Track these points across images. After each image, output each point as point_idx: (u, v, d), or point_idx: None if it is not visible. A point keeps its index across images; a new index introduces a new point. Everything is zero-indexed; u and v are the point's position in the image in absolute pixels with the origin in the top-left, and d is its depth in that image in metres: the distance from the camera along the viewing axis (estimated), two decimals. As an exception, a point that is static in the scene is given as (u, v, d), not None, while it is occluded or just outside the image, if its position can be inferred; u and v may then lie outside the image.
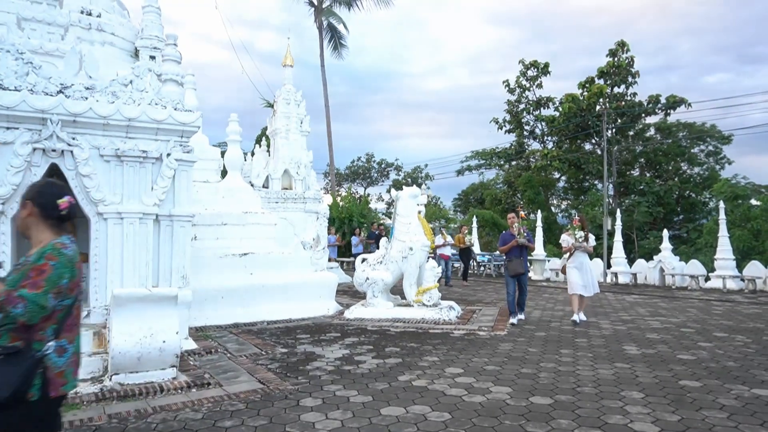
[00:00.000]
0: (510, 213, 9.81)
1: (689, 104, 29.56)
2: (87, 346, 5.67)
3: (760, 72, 73.22)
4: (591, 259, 14.62)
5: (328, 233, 18.80)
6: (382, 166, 49.78)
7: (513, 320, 8.86)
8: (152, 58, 8.78)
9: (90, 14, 9.25)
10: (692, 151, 32.55)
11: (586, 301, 9.31)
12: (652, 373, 5.65)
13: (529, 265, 14.71)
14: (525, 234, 9.20)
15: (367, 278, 9.79)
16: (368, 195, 44.83)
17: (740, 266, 15.25)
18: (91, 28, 9.18)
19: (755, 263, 14.75)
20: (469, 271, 17.79)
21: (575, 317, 8.93)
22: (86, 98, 6.08)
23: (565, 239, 9.39)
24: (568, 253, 9.20)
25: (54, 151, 5.92)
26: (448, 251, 16.18)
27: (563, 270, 9.58)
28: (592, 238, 9.35)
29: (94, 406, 4.60)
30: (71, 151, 6.02)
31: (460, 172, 40.93)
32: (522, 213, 9.69)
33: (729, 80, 73.20)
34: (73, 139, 6.02)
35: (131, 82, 6.45)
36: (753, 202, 22.92)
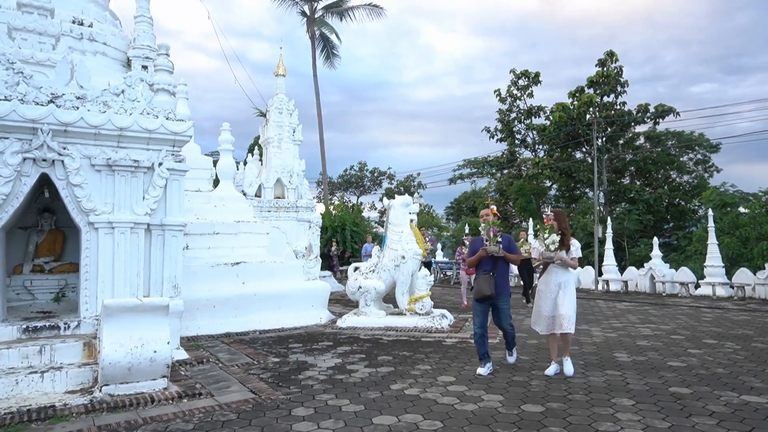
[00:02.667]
0: (483, 209, 6.58)
1: (678, 113, 29.91)
2: (77, 357, 5.64)
3: (744, 82, 74.55)
4: (527, 281, 13.11)
5: (366, 241, 18.60)
6: (375, 174, 49.90)
7: (482, 370, 5.98)
8: (144, 67, 8.80)
9: (82, 24, 9.25)
10: (681, 159, 32.89)
11: (567, 339, 6.14)
12: (642, 380, 5.68)
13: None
14: (498, 238, 6.11)
15: (360, 287, 9.78)
16: (361, 204, 44.86)
17: (729, 273, 15.39)
18: (83, 37, 9.18)
19: (744, 270, 14.90)
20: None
21: (549, 368, 6.02)
22: (77, 108, 6.07)
23: (535, 247, 6.46)
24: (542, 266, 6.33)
25: (44, 160, 5.91)
26: None
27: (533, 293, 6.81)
28: (575, 246, 6.11)
29: (84, 417, 4.56)
30: (62, 161, 6.00)
31: (452, 181, 41.05)
32: (493, 208, 6.43)
33: (714, 90, 74.45)
34: (64, 148, 6.01)
35: (123, 91, 6.45)
36: (741, 209, 23.13)
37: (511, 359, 6.56)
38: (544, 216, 6.49)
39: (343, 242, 22.14)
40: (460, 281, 14.47)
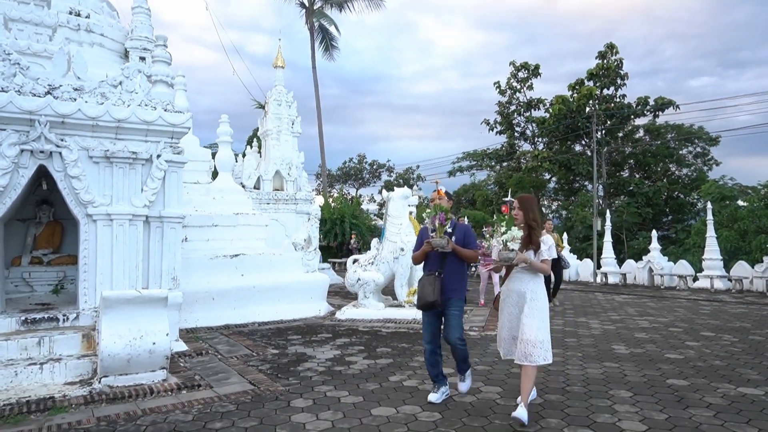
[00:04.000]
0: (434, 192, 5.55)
1: (677, 106, 29.87)
2: (76, 349, 5.64)
3: (743, 76, 74.47)
4: (554, 280, 11.28)
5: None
6: (374, 167, 49.86)
7: (434, 396, 4.73)
8: (142, 59, 8.74)
9: (79, 15, 9.19)
10: (680, 152, 32.90)
11: (529, 374, 4.25)
12: (640, 372, 5.70)
13: (488, 279, 11.61)
14: (448, 228, 4.66)
15: (359, 279, 9.79)
16: (360, 196, 44.86)
17: (727, 266, 15.44)
18: (80, 28, 9.12)
19: (742, 263, 14.94)
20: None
21: (516, 410, 4.16)
22: (75, 99, 6.04)
23: (494, 245, 4.88)
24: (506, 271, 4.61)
25: (42, 152, 5.88)
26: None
27: (495, 304, 4.75)
28: (548, 244, 4.38)
29: (83, 408, 4.57)
30: (60, 153, 5.97)
31: (451, 173, 41.03)
32: (440, 189, 5.51)
33: (713, 84, 74.36)
34: (62, 140, 5.98)
35: (121, 83, 6.42)
36: (740, 203, 23.17)
37: (464, 386, 4.79)
38: (503, 204, 4.87)
39: (342, 234, 22.15)
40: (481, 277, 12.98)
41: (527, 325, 4.20)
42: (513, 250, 4.23)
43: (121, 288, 6.12)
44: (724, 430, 4.01)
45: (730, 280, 14.67)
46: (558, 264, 10.97)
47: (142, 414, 4.45)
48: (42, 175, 6.39)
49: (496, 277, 10.76)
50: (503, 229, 4.36)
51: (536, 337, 4.18)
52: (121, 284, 6.24)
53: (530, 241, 4.31)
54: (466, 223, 17.04)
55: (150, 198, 6.49)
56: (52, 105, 5.85)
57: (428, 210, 4.78)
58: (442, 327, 4.75)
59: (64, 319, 6.03)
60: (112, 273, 6.25)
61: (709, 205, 16.24)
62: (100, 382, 5.01)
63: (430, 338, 4.74)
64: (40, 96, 5.86)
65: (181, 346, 6.74)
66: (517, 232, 4.26)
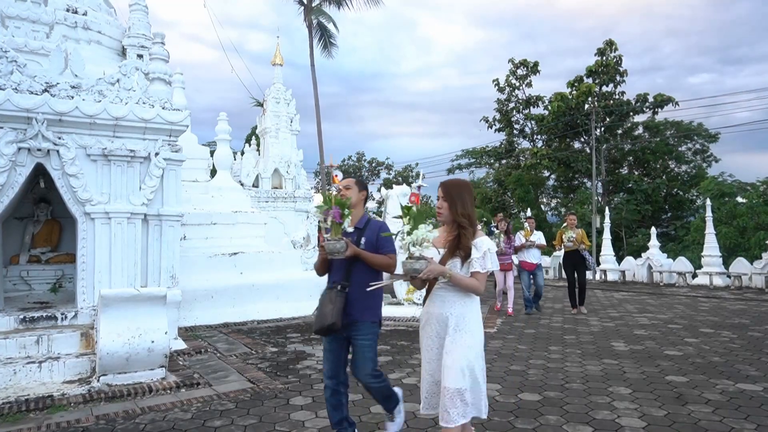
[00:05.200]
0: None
1: (676, 103, 29.87)
2: (74, 347, 5.64)
3: (742, 72, 74.49)
4: (578, 284, 9.81)
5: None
6: (373, 165, 49.81)
7: None
8: (140, 56, 8.73)
9: (76, 12, 9.16)
10: (680, 149, 32.89)
11: None
12: (639, 369, 5.71)
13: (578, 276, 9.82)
14: (347, 226, 3.44)
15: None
16: (359, 194, 44.77)
17: (726, 263, 15.44)
18: (77, 26, 9.09)
19: (741, 260, 14.95)
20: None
21: None
22: (72, 97, 6.02)
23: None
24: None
25: (39, 150, 5.86)
26: (533, 257, 10.11)
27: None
28: (482, 249, 2.96)
29: (82, 407, 4.56)
30: (57, 151, 5.96)
31: (450, 171, 41.00)
32: (336, 176, 3.57)
33: (712, 81, 74.38)
34: (59, 138, 5.97)
35: (118, 80, 6.40)
36: (739, 199, 23.19)
37: (393, 427, 3.72)
38: (412, 192, 3.44)
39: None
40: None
41: (447, 367, 2.86)
42: (421, 258, 2.83)
43: (119, 286, 6.11)
44: (722, 426, 4.01)
45: (729, 276, 14.68)
46: (582, 265, 9.87)
47: (140, 412, 4.45)
48: (40, 173, 6.37)
49: (510, 280, 9.95)
50: (407, 228, 2.92)
51: (456, 384, 2.80)
52: (119, 282, 6.23)
53: (458, 246, 2.93)
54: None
55: (148, 196, 6.48)
56: (50, 103, 5.83)
57: (320, 204, 3.51)
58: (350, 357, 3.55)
59: (62, 318, 6.02)
60: (111, 271, 6.24)
61: (708, 201, 16.24)
62: (98, 380, 5.00)
63: (332, 372, 3.52)
64: (37, 94, 5.84)
65: (180, 345, 6.74)
66: (426, 233, 2.85)
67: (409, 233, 2.91)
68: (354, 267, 3.45)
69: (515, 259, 10.48)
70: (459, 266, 2.94)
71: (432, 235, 2.92)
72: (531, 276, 10.06)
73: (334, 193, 3.66)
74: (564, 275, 11.30)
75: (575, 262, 9.87)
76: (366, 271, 3.46)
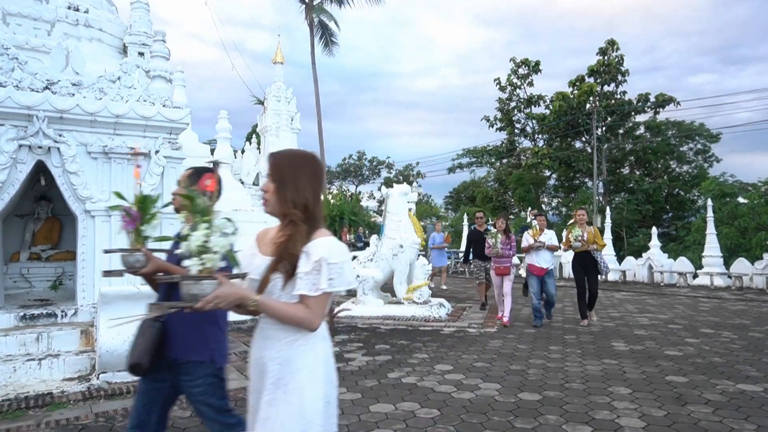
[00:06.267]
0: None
1: (678, 103, 29.82)
2: (74, 345, 5.64)
3: (743, 73, 74.42)
4: (588, 290, 8.36)
5: (435, 230, 14.63)
6: (374, 164, 49.81)
7: None
8: (141, 54, 8.72)
9: (77, 10, 9.15)
10: (681, 149, 32.83)
11: None
12: (639, 369, 5.70)
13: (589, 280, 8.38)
14: (147, 232, 2.54)
15: (358, 276, 9.78)
16: (359, 193, 44.85)
17: (727, 263, 15.42)
18: (79, 23, 9.08)
19: (742, 260, 14.93)
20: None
21: None
22: (73, 94, 6.02)
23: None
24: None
25: (40, 147, 5.86)
26: (543, 260, 8.52)
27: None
28: (311, 258, 1.85)
29: (81, 404, 4.57)
30: (58, 148, 5.96)
31: (451, 170, 41.03)
32: (137, 169, 4.49)
33: (713, 81, 74.32)
34: (60, 135, 5.97)
35: (119, 78, 6.40)
36: (740, 200, 23.14)
37: None
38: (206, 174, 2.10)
39: (341, 231, 22.10)
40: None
41: None
42: (209, 279, 1.79)
43: (119, 284, 6.10)
44: (722, 426, 4.00)
45: (730, 277, 14.66)
46: (593, 268, 8.43)
47: (140, 410, 4.45)
48: (40, 170, 6.37)
49: (507, 286, 8.60)
50: (199, 232, 1.82)
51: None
52: (119, 280, 6.22)
53: (283, 255, 1.90)
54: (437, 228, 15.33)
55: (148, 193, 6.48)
56: (51, 100, 5.83)
57: (115, 205, 2.57)
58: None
59: (62, 315, 6.02)
60: (111, 269, 6.23)
61: (709, 202, 16.22)
62: (98, 378, 5.01)
63: (136, 422, 2.58)
64: (38, 91, 5.84)
65: (180, 343, 6.73)
66: (208, 237, 1.81)
67: (185, 238, 1.84)
68: (176, 288, 1.93)
69: (515, 259, 9.82)
70: (278, 288, 1.88)
71: (224, 241, 1.84)
72: (540, 282, 8.48)
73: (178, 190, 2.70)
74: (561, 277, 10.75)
75: (586, 265, 8.43)
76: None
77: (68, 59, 6.54)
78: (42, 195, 7.85)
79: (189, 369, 2.53)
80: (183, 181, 2.74)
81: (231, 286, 1.80)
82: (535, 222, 9.12)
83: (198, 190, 2.05)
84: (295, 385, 1.86)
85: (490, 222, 11.11)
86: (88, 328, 5.79)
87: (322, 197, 2.02)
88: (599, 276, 8.59)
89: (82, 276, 6.17)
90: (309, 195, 1.95)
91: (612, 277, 17.31)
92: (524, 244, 8.63)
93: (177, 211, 2.61)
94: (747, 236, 20.15)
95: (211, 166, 2.20)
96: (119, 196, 2.51)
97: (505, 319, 8.48)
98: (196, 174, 2.67)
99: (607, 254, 17.84)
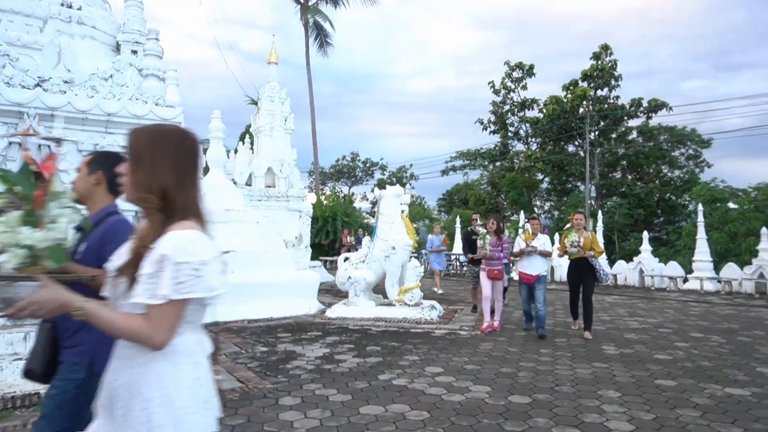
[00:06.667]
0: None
1: (670, 108, 30.06)
2: (62, 344, 5.58)
3: (735, 79, 75.13)
4: (583, 301, 7.83)
5: (431, 232, 14.25)
6: (367, 165, 49.82)
7: None
8: (134, 52, 8.65)
9: (70, 7, 9.07)
10: (673, 154, 33.12)
11: None
12: (629, 373, 5.73)
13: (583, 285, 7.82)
14: (64, 221, 1.81)
15: (350, 277, 9.77)
16: (353, 194, 44.81)
17: (717, 268, 15.54)
18: (72, 20, 9.00)
19: (732, 265, 15.05)
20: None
21: None
22: (65, 92, 5.98)
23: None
24: None
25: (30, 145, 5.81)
26: (533, 266, 8.02)
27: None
28: (165, 248, 1.49)
29: (69, 404, 4.53)
30: (48, 146, 5.90)
31: (444, 172, 41.14)
32: (26, 153, 3.84)
33: (706, 87, 74.89)
34: (51, 133, 5.91)
35: (111, 76, 6.36)
36: (731, 205, 23.38)
37: None
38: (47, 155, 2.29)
39: (334, 232, 22.09)
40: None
41: None
42: (27, 280, 1.63)
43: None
44: (710, 430, 4.03)
45: (719, 281, 14.77)
46: (590, 275, 7.79)
47: (128, 410, 4.41)
48: (30, 168, 6.31)
49: (498, 292, 8.34)
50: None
51: None
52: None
53: (133, 254, 1.59)
54: (427, 228, 15.39)
55: (140, 193, 6.44)
56: (42, 97, 5.78)
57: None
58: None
59: (51, 314, 5.96)
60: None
61: (700, 207, 16.33)
62: (86, 378, 4.96)
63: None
64: (29, 88, 5.79)
65: (170, 343, 6.69)
66: (28, 231, 1.60)
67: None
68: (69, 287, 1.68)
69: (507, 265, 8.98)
70: (124, 290, 1.57)
71: (37, 236, 1.59)
72: (530, 290, 8.06)
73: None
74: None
75: (582, 273, 7.84)
76: (87, 293, 1.71)
77: (60, 56, 6.49)
78: (32, 193, 7.78)
79: (60, 370, 2.18)
80: (82, 168, 2.44)
81: (50, 290, 1.52)
82: (527, 225, 8.68)
83: (39, 171, 1.77)
84: (144, 418, 1.47)
85: (479, 223, 10.86)
86: (77, 327, 5.74)
87: (196, 182, 1.65)
88: (597, 283, 7.99)
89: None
90: (168, 177, 1.57)
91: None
92: (516, 248, 8.28)
93: (77, 202, 2.30)
94: (737, 241, 20.35)
95: (121, 154, 1.75)
96: (6, 180, 1.74)
97: (495, 324, 8.22)
98: (96, 163, 2.40)
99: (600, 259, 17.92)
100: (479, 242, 8.41)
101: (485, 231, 8.41)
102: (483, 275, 8.32)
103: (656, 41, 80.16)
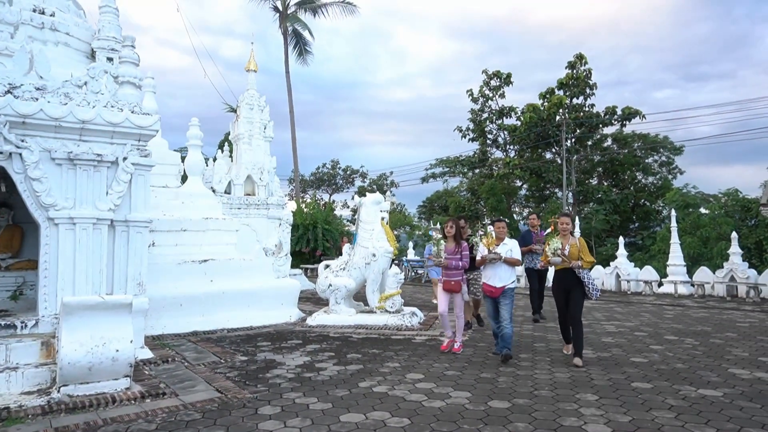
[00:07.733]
0: None
1: (643, 116, 30.69)
2: (34, 357, 5.45)
3: (704, 89, 77.34)
4: (571, 321, 6.38)
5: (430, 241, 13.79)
6: (348, 172, 49.72)
7: None
8: (109, 59, 8.54)
9: (43, 13, 8.93)
10: (647, 161, 33.78)
11: None
12: (606, 376, 5.81)
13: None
14: None
15: (330, 285, 9.73)
16: (333, 202, 44.70)
17: (690, 272, 15.89)
18: (44, 27, 8.86)
19: (704, 269, 15.40)
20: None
21: None
22: (37, 99, 5.87)
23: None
24: None
25: (1, 153, 5.68)
26: (497, 277, 6.80)
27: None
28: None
29: (40, 419, 4.41)
30: (20, 154, 5.79)
31: (424, 180, 41.27)
32: None
33: (676, 96, 76.99)
34: (22, 141, 5.80)
35: (86, 83, 6.26)
36: (702, 210, 23.93)
37: None
38: None
39: (315, 240, 21.97)
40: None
41: None
42: None
43: (83, 294, 5.94)
44: (684, 431, 4.11)
45: (692, 285, 15.10)
46: (577, 289, 6.55)
47: (102, 424, 4.32)
48: (1, 177, 6.17)
49: (458, 307, 7.25)
50: None
51: None
52: (83, 290, 6.05)
53: None
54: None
55: (115, 201, 6.34)
56: (12, 105, 5.67)
57: None
58: None
59: (22, 327, 5.82)
60: (75, 278, 6.06)
61: (673, 212, 16.71)
62: (59, 391, 4.84)
63: None
64: (-1, 95, 5.66)
65: (147, 354, 6.58)
66: None
67: None
68: None
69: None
70: None
71: None
72: (495, 305, 6.82)
73: None
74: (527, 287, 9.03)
75: (569, 287, 6.58)
76: None
77: (32, 63, 6.36)
78: (2, 202, 7.60)
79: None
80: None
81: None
82: (490, 228, 7.47)
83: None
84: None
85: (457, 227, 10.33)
86: (50, 339, 5.60)
87: None
88: (585, 299, 6.65)
89: (44, 285, 5.98)
90: None
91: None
92: (478, 256, 7.02)
93: None
94: (708, 246, 20.81)
95: None
96: None
97: (456, 346, 7.11)
98: None
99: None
100: (432, 249, 7.47)
101: (439, 236, 7.42)
102: (438, 288, 7.37)
103: (628, 52, 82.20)
